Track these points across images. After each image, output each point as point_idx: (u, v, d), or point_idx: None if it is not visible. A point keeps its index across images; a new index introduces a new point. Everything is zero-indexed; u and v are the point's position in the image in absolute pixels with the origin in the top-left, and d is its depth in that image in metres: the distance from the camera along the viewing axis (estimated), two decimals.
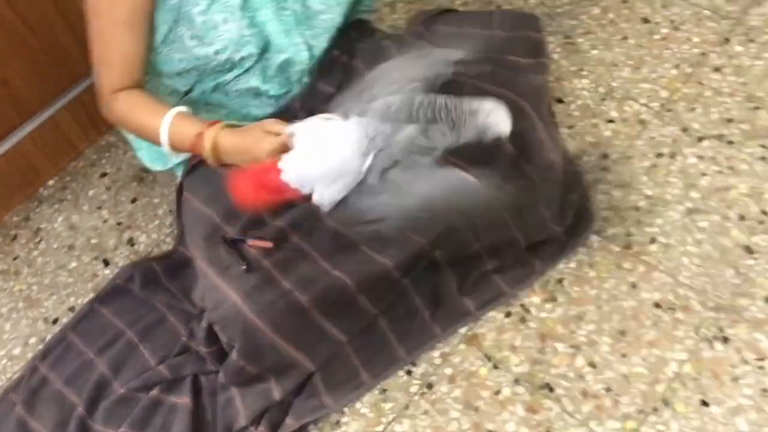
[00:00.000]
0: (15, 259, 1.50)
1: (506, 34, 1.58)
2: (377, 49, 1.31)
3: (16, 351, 1.38)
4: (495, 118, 1.02)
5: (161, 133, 1.12)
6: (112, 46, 1.14)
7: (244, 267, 1.13)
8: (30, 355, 1.36)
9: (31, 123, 1.51)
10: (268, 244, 1.17)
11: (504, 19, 1.61)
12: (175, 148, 1.14)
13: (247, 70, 1.22)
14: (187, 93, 1.26)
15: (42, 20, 1.42)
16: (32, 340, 1.38)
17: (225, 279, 1.13)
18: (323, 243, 1.17)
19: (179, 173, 1.36)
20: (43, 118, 1.52)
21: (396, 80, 1.06)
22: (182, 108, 1.15)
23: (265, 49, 1.19)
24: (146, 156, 1.37)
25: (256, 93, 1.26)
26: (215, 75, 1.22)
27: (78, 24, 1.46)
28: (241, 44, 1.16)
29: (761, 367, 1.14)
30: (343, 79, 1.30)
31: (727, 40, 1.54)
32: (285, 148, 1.05)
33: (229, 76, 1.22)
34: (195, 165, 1.30)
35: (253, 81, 1.23)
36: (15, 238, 1.53)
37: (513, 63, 1.52)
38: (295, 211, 1.19)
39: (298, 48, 1.21)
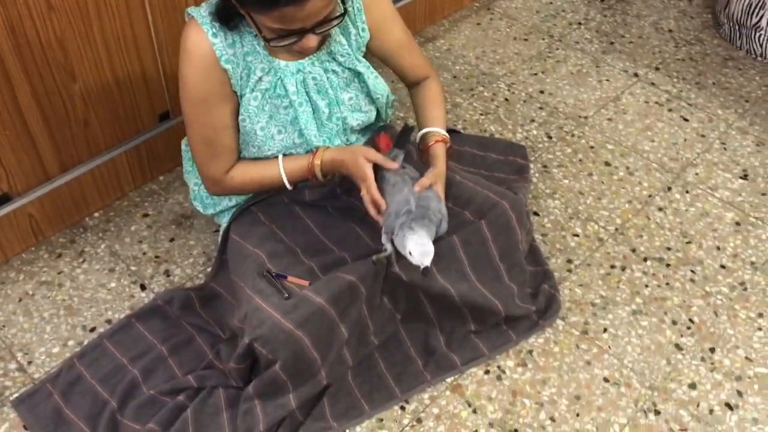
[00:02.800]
0: (59, 273, 1.69)
1: (498, 157, 1.95)
2: (406, 151, 1.63)
3: (55, 350, 1.55)
4: (421, 255, 1.34)
5: (283, 176, 1.45)
6: (215, 145, 1.43)
7: (286, 296, 1.38)
8: (68, 355, 1.53)
9: (95, 160, 1.75)
10: (305, 282, 1.43)
11: (498, 144, 1.99)
12: (293, 180, 1.47)
13: None
14: None
15: (126, 80, 1.69)
16: (70, 343, 1.56)
17: (268, 304, 1.37)
18: None
19: (222, 220, 1.62)
20: (106, 158, 1.76)
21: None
22: (280, 154, 1.46)
23: (310, 152, 1.48)
24: (200, 204, 1.63)
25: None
26: None
27: (152, 88, 1.76)
28: (291, 150, 1.46)
29: None
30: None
31: (669, 188, 1.94)
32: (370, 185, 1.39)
33: None
34: (239, 215, 1.56)
35: None
36: (60, 255, 1.73)
37: (501, 179, 1.88)
38: (326, 257, 1.48)
39: None
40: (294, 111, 1.42)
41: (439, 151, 1.53)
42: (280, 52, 1.37)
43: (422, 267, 1.34)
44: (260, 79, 1.38)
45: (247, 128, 1.41)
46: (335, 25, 1.31)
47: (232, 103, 1.39)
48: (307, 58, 1.40)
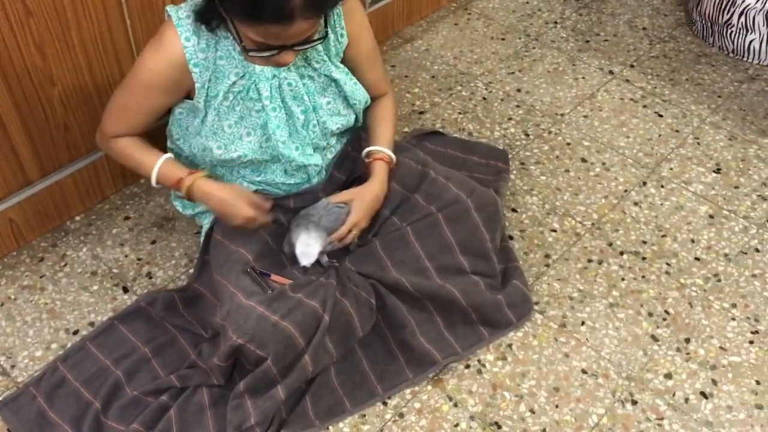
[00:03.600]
0: (41, 277, 1.69)
1: (479, 160, 1.98)
2: None
3: (38, 353, 1.56)
4: (301, 254, 1.44)
5: (152, 173, 1.45)
6: (128, 116, 1.44)
7: (270, 292, 1.40)
8: (51, 358, 1.54)
9: (77, 164, 1.76)
10: (288, 281, 1.45)
11: (480, 148, 2.01)
12: (161, 184, 1.47)
13: (271, 170, 1.53)
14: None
15: (105, 83, 1.70)
16: (53, 346, 1.57)
17: (251, 300, 1.39)
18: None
19: (204, 221, 1.64)
20: (87, 162, 1.77)
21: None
22: (168, 156, 1.47)
23: (279, 159, 1.49)
24: (179, 203, 1.65)
25: (281, 182, 1.56)
26: (241, 168, 1.53)
27: None
28: (259, 153, 1.47)
29: (659, 424, 1.47)
30: (352, 169, 1.63)
31: (644, 183, 1.97)
32: (254, 223, 1.44)
33: (256, 172, 1.53)
34: None
35: (278, 177, 1.54)
36: (42, 259, 1.73)
37: (480, 179, 1.90)
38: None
39: (311, 156, 1.52)
40: (266, 116, 1.43)
41: (376, 169, 1.55)
42: (257, 61, 1.39)
43: (300, 265, 1.44)
44: (234, 83, 1.40)
45: (215, 125, 1.42)
46: (314, 45, 1.34)
47: (172, 99, 1.41)
48: None
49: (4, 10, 1.44)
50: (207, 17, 1.32)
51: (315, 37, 1.31)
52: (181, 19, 1.33)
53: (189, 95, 1.42)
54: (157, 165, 1.45)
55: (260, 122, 1.44)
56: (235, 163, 1.48)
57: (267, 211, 1.48)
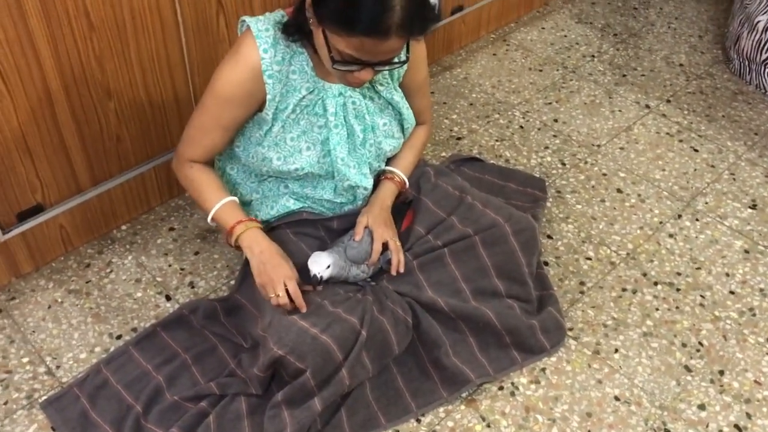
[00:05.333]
0: (87, 282, 1.75)
1: (517, 188, 2.01)
2: (422, 173, 1.70)
3: (82, 356, 1.60)
4: (312, 262, 1.47)
5: (211, 212, 1.49)
6: (206, 135, 1.48)
7: (311, 306, 1.44)
8: (94, 360, 1.58)
9: (126, 174, 1.82)
10: (316, 288, 1.49)
11: (518, 176, 2.04)
12: (216, 222, 1.50)
13: (322, 186, 1.57)
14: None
15: (159, 99, 1.77)
16: (97, 349, 1.61)
17: (293, 312, 1.43)
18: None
19: None
20: (136, 173, 1.83)
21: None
22: (233, 198, 1.51)
23: (334, 175, 1.53)
24: None
25: (328, 199, 1.60)
26: (291, 182, 1.57)
27: (183, 107, 1.83)
28: (317, 167, 1.51)
29: None
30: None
31: (679, 216, 1.99)
32: (281, 283, 1.42)
33: (306, 185, 1.57)
34: (267, 232, 1.61)
35: (326, 194, 1.58)
36: (88, 265, 1.78)
37: (517, 206, 1.92)
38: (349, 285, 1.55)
39: (366, 177, 1.56)
40: (328, 131, 1.48)
41: (382, 187, 1.60)
42: (331, 76, 1.42)
43: (311, 273, 1.46)
44: (303, 97, 1.44)
45: (278, 137, 1.46)
46: (395, 68, 1.38)
47: (247, 112, 1.44)
48: None
49: (70, 25, 1.51)
50: (291, 31, 1.37)
51: (396, 60, 1.33)
52: (260, 30, 1.38)
53: (260, 108, 1.45)
54: (220, 202, 1.48)
55: (321, 138, 1.48)
56: (290, 176, 1.52)
57: (298, 282, 1.45)
